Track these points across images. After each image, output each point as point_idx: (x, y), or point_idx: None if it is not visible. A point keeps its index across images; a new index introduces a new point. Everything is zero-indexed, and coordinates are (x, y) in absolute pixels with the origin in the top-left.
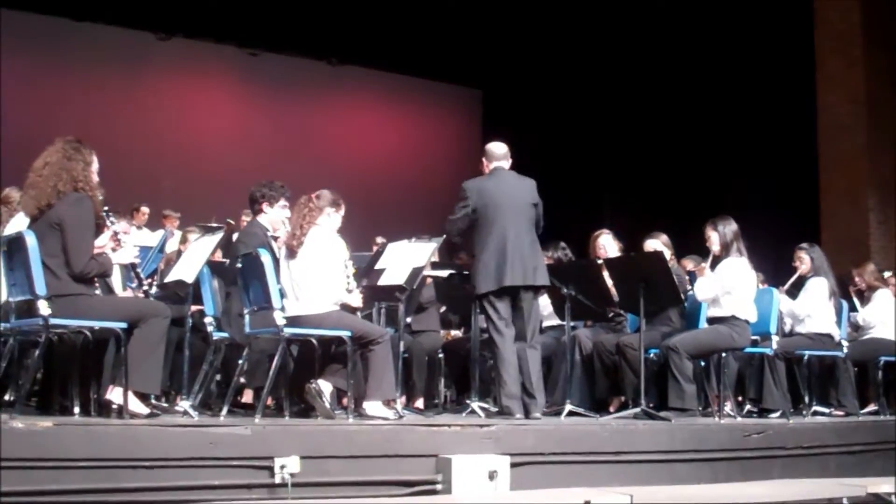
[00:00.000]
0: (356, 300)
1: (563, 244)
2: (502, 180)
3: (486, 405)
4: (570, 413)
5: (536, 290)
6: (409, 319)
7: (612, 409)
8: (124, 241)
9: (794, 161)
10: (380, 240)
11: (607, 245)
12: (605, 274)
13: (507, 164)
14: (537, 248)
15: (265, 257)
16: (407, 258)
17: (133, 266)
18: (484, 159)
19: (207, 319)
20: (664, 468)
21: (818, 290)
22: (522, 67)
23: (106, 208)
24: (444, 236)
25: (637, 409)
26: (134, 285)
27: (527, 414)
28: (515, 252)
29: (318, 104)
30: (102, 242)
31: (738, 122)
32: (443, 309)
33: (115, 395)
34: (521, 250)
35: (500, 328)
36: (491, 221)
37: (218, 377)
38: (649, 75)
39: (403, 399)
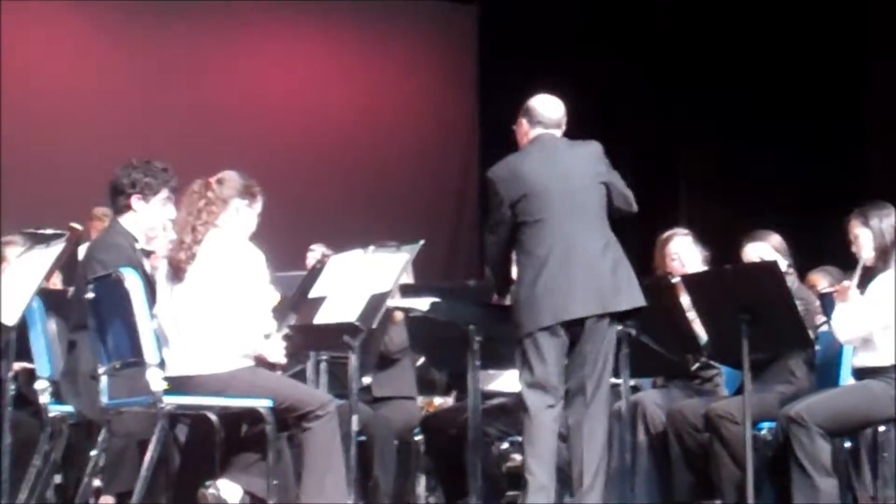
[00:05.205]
0: (276, 351)
1: None
2: (548, 154)
3: None
4: None
5: (619, 318)
6: (367, 380)
7: None
8: None
9: None
10: (318, 249)
11: (684, 253)
12: (684, 300)
13: (558, 132)
14: (614, 254)
15: (132, 281)
16: (362, 279)
17: None
18: (523, 121)
19: (40, 384)
20: None
21: None
22: None
23: None
24: (417, 245)
25: None
26: None
27: None
28: (580, 262)
29: (222, 39)
30: None
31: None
32: (420, 361)
33: None
34: (589, 259)
35: (538, 380)
36: (537, 220)
37: (58, 477)
38: None
39: None
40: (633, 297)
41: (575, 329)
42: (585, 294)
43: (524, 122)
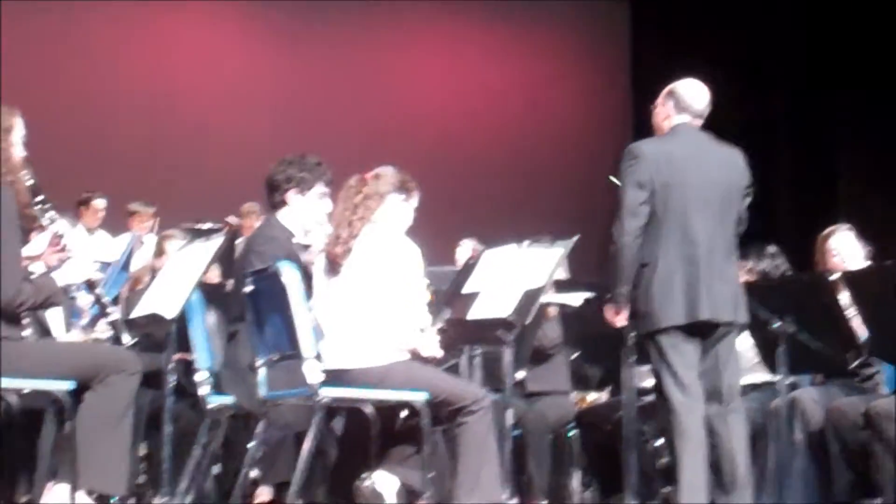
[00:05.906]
0: (431, 346)
1: (772, 248)
2: (696, 148)
3: None
4: None
5: (739, 327)
6: (521, 375)
7: None
8: (71, 249)
9: None
10: (467, 244)
11: (845, 248)
12: (844, 296)
13: (700, 122)
14: (734, 265)
15: (290, 275)
16: (517, 274)
17: (91, 286)
18: (669, 104)
19: (200, 376)
20: None
21: None
22: None
23: (39, 199)
24: (571, 237)
25: None
26: (83, 322)
27: None
28: (711, 267)
29: (374, 38)
30: (36, 251)
31: None
32: (574, 356)
33: (56, 495)
34: (721, 264)
35: (684, 381)
36: (672, 212)
37: (217, 467)
38: None
39: (516, 501)
40: (745, 309)
41: (706, 331)
42: (720, 298)
43: (669, 105)
